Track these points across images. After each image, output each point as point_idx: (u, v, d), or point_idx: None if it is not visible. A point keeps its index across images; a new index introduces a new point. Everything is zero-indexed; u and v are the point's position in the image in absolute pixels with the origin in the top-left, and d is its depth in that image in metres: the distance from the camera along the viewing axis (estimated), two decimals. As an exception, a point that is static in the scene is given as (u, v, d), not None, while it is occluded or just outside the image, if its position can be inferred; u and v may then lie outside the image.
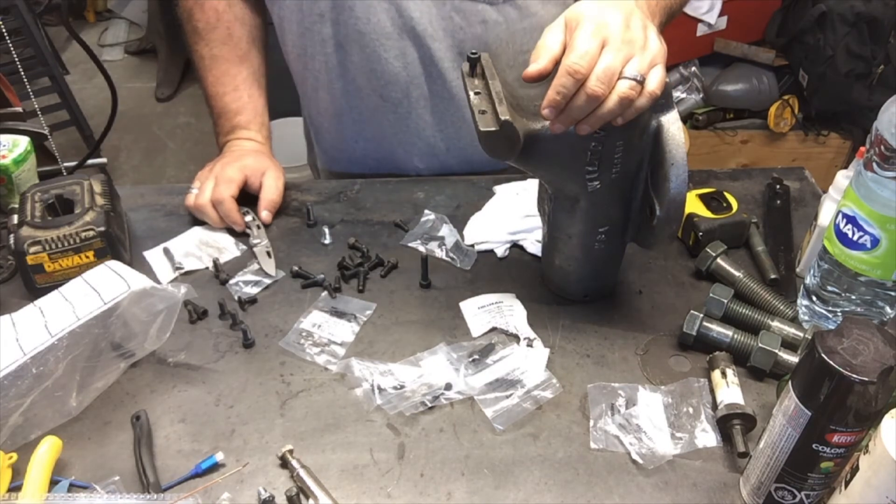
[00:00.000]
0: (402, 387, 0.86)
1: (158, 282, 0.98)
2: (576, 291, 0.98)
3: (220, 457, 0.78)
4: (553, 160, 0.82)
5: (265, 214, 1.11)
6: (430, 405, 0.84)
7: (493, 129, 0.77)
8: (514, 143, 0.78)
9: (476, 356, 0.89)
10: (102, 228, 0.95)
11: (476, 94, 0.81)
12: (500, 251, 1.06)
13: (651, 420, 0.82)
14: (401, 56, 1.12)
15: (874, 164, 0.78)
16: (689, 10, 2.53)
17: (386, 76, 1.14)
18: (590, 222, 0.88)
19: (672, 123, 0.80)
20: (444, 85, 1.16)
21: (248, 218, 1.09)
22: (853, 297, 0.87)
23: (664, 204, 0.81)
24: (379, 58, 1.12)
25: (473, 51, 0.82)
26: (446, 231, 1.09)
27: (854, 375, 0.60)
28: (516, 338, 0.92)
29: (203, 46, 1.19)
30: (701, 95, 2.69)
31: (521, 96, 0.83)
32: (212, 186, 1.09)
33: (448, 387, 0.85)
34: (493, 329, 0.94)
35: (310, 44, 1.16)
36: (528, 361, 0.89)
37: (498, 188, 1.17)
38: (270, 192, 1.12)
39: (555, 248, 0.95)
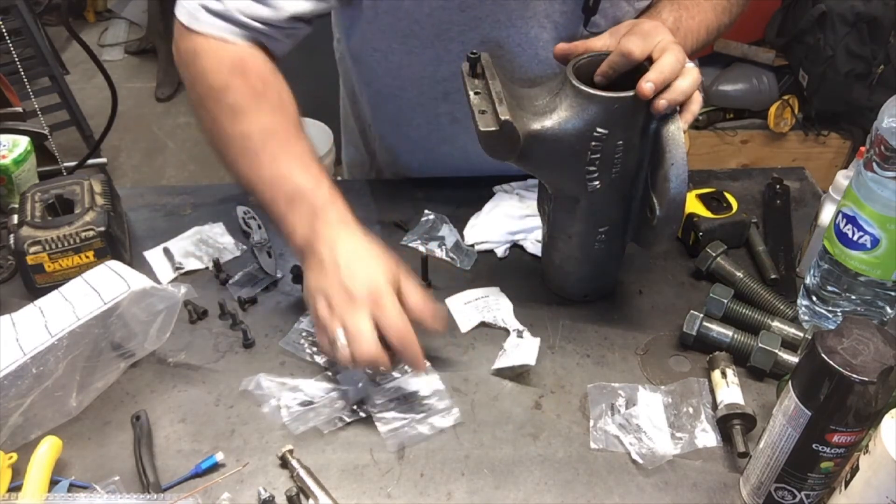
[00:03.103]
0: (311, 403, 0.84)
1: (158, 282, 0.98)
2: (576, 291, 0.98)
3: (220, 457, 0.78)
4: (553, 160, 0.82)
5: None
6: (348, 420, 0.83)
7: (493, 129, 0.77)
8: (514, 143, 0.78)
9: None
10: (102, 228, 0.95)
11: (476, 93, 0.81)
12: (500, 251, 1.06)
13: (651, 420, 0.82)
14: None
15: (874, 164, 0.78)
16: (688, 9, 2.53)
17: (450, 77, 1.05)
18: (590, 222, 0.88)
19: (672, 123, 0.81)
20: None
21: (250, 217, 1.09)
22: (853, 297, 0.87)
23: (664, 204, 0.81)
24: (440, 59, 1.04)
25: (473, 51, 0.82)
26: (446, 231, 1.09)
27: (854, 375, 0.60)
28: (506, 331, 0.93)
29: (246, 123, 0.89)
30: (701, 95, 2.68)
31: (521, 96, 0.83)
32: (367, 319, 0.77)
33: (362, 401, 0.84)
34: (482, 324, 0.94)
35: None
36: (521, 351, 0.88)
37: (498, 188, 1.16)
38: (420, 301, 0.82)
39: (555, 248, 0.95)
